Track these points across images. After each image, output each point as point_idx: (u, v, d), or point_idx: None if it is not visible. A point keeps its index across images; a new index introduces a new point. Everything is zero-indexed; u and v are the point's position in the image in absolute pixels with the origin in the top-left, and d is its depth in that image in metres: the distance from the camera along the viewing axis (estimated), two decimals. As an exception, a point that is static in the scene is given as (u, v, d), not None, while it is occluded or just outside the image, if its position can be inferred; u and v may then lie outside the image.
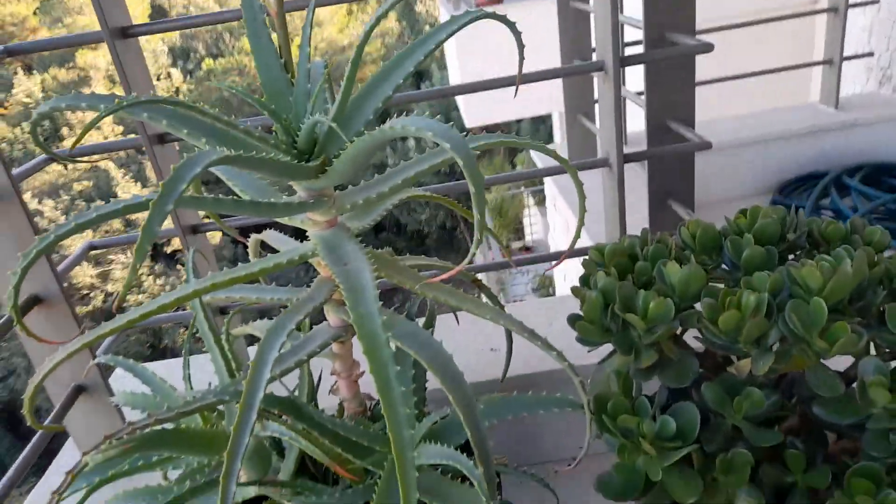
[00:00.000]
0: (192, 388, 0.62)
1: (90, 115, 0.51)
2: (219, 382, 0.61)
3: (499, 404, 0.60)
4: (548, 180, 2.26)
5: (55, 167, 10.55)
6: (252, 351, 0.62)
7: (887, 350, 0.61)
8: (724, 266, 0.71)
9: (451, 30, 0.59)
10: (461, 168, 0.43)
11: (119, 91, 0.93)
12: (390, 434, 0.42)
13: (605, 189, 1.03)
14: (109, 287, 9.65)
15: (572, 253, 0.95)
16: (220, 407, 0.61)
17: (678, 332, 0.70)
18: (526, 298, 6.39)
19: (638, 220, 1.23)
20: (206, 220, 0.96)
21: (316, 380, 0.72)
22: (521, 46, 0.63)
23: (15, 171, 0.75)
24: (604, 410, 0.58)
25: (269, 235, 0.74)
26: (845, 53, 1.86)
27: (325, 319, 0.65)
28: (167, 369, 0.84)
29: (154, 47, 14.01)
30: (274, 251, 0.68)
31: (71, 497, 0.54)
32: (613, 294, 0.64)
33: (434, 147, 0.54)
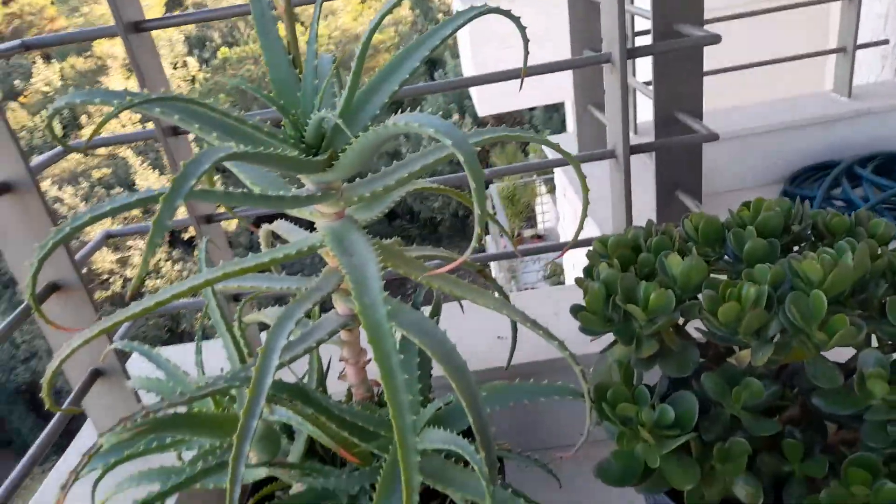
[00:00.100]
0: (203, 374, 0.64)
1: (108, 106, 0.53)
2: (230, 368, 0.63)
3: (501, 391, 0.62)
4: (558, 170, 2.26)
5: (75, 155, 10.69)
6: (264, 337, 0.64)
7: (889, 342, 0.62)
8: (726, 258, 0.72)
9: (456, 25, 0.59)
10: (463, 164, 0.45)
11: (135, 81, 0.95)
12: (392, 419, 0.43)
13: (613, 180, 1.04)
14: (128, 272, 9.79)
15: (578, 243, 0.96)
16: (232, 391, 0.63)
17: (680, 322, 0.71)
18: (538, 286, 6.39)
19: (647, 210, 1.24)
20: (220, 210, 0.98)
21: (325, 366, 0.74)
22: (525, 40, 0.64)
23: (33, 162, 0.78)
24: (604, 399, 0.59)
25: (280, 226, 0.75)
26: (860, 41, 1.84)
27: (334, 308, 0.67)
28: (182, 354, 0.87)
29: (170, 36, 14.07)
30: (285, 241, 0.70)
31: (89, 476, 0.57)
32: (615, 285, 0.65)
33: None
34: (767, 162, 1.89)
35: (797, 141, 1.85)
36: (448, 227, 12.35)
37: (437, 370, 0.74)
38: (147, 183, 11.14)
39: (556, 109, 11.80)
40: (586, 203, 0.68)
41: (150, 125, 0.95)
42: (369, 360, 0.69)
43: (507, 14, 0.60)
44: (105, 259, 9.32)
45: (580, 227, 0.68)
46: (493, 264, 6.62)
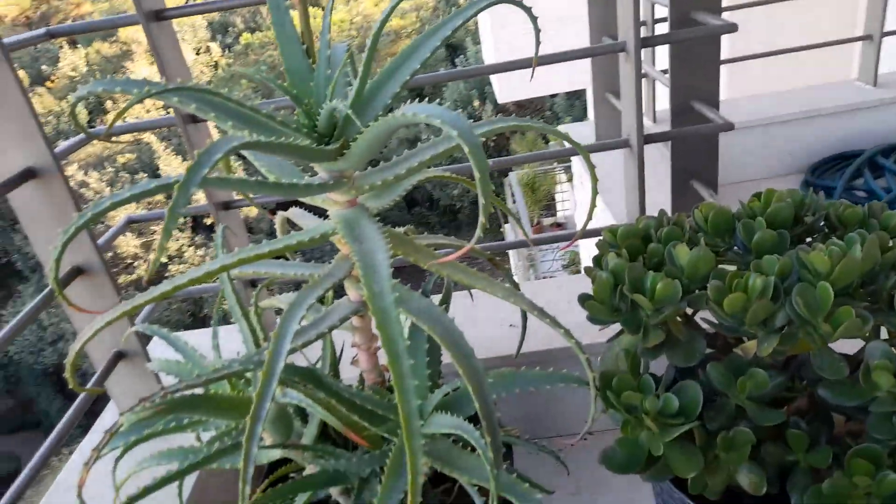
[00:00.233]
0: (220, 357, 0.66)
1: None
2: (245, 351, 0.65)
3: (507, 378, 0.63)
4: (575, 158, 2.25)
5: (100, 140, 10.79)
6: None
7: (897, 335, 0.62)
8: (736, 249, 0.72)
9: (468, 15, 0.60)
10: (467, 155, 0.45)
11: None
12: (398, 403, 0.45)
13: (627, 170, 1.04)
14: (152, 257, 9.94)
15: (590, 233, 0.96)
16: (248, 374, 0.65)
17: (689, 313, 0.71)
18: (556, 275, 6.38)
19: (663, 199, 1.23)
20: (238, 198, 1.00)
21: (338, 351, 0.75)
22: (537, 30, 0.64)
23: (57, 148, 0.80)
24: (609, 387, 0.60)
25: (295, 213, 0.77)
26: (888, 28, 1.80)
27: (346, 294, 0.69)
28: (201, 338, 0.89)
29: (193, 22, 14.15)
30: (300, 228, 0.71)
31: (112, 455, 0.59)
32: (623, 275, 0.65)
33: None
34: (789, 151, 1.86)
35: (819, 130, 1.82)
36: (467, 215, 12.34)
37: (448, 357, 0.76)
38: (170, 168, 11.28)
39: (578, 96, 11.69)
40: (595, 193, 0.68)
41: (173, 112, 0.97)
42: (380, 346, 0.70)
43: (518, 3, 0.60)
44: (129, 244, 9.48)
45: (589, 217, 0.68)
46: (511, 253, 6.61)
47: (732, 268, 0.66)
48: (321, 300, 0.78)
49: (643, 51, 1.28)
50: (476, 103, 12.84)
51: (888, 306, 0.61)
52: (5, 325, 0.71)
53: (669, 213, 0.78)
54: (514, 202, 6.92)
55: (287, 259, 0.71)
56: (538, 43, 0.66)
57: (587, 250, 2.95)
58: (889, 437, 0.54)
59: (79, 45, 14.06)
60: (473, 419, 0.57)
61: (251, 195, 0.77)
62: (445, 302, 0.73)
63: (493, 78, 6.24)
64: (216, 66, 14.42)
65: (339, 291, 0.69)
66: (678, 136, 1.06)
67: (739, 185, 1.82)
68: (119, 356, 0.83)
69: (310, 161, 0.59)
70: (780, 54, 1.84)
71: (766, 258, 0.62)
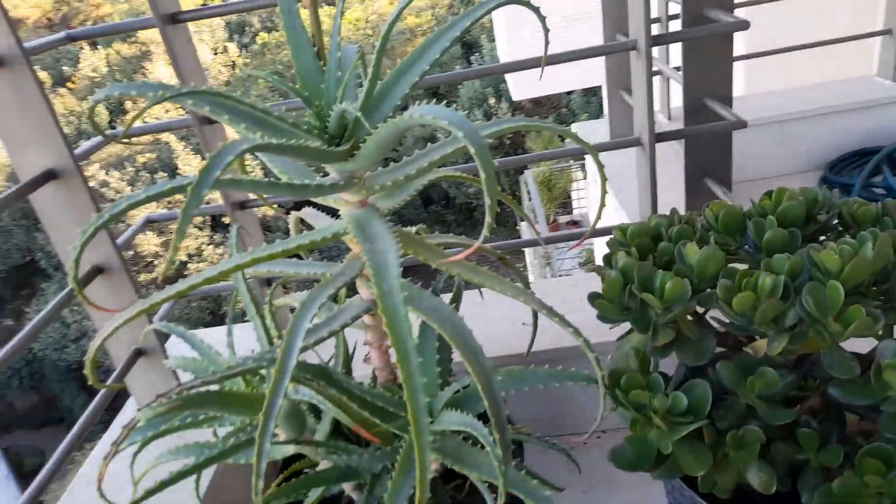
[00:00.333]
0: (234, 354, 0.67)
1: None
2: (260, 349, 0.67)
3: (516, 376, 0.63)
4: (588, 156, 2.24)
5: (125, 139, 10.93)
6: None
7: (909, 334, 0.61)
8: (747, 247, 0.71)
9: (477, 15, 0.61)
10: (473, 156, 0.46)
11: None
12: (407, 400, 0.45)
13: (639, 168, 1.04)
14: (168, 256, 10.06)
15: (603, 232, 0.96)
16: (262, 371, 0.66)
17: (702, 311, 0.71)
18: (572, 273, 6.36)
19: (677, 197, 1.23)
20: (253, 198, 1.01)
21: (351, 350, 0.76)
22: (546, 30, 0.64)
23: (77, 150, 0.82)
24: (617, 385, 0.60)
25: (308, 213, 0.78)
26: (909, 22, 1.77)
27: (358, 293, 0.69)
28: (217, 336, 0.90)
29: (211, 22, 14.28)
30: (313, 228, 0.72)
31: (130, 450, 0.61)
32: (632, 273, 0.65)
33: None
34: (806, 148, 1.84)
35: (837, 126, 1.79)
36: (483, 213, 12.31)
37: (458, 355, 0.76)
38: (189, 167, 11.40)
39: (595, 93, 11.62)
40: (604, 191, 0.69)
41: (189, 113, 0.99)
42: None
43: (527, 4, 0.61)
44: (150, 242, 9.60)
45: (598, 216, 0.69)
46: (527, 251, 6.60)
47: (743, 266, 0.66)
48: (334, 299, 0.79)
49: (658, 48, 1.27)
50: (491, 101, 12.81)
51: (901, 305, 0.61)
52: (28, 323, 0.73)
53: (683, 212, 0.78)
54: (529, 200, 6.90)
55: (301, 258, 0.72)
56: (547, 42, 0.66)
57: (602, 249, 2.94)
58: (900, 437, 0.54)
59: (99, 47, 14.24)
60: (483, 416, 0.57)
61: (265, 195, 0.78)
62: (456, 300, 0.74)
63: (508, 76, 6.24)
64: (233, 65, 14.53)
65: (353, 290, 0.70)
66: (691, 134, 1.05)
67: (756, 183, 1.81)
68: (138, 353, 0.85)
69: (320, 162, 0.60)
70: (796, 50, 1.82)
71: (776, 257, 0.62)
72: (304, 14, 0.66)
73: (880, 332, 0.64)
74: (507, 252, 0.82)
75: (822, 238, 0.74)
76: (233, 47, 14.68)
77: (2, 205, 0.74)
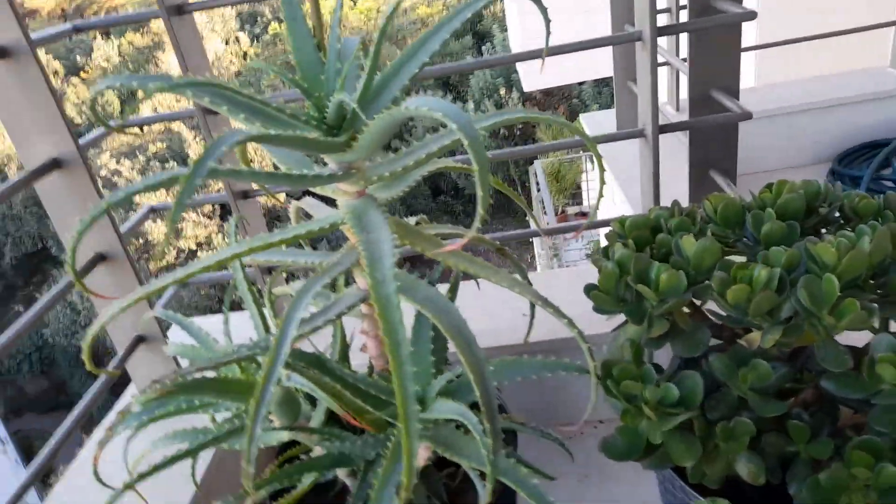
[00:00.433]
0: (230, 342, 0.68)
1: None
2: (256, 337, 0.67)
3: (509, 366, 0.64)
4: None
5: (133, 129, 11.02)
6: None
7: (905, 328, 0.61)
8: (745, 240, 0.71)
9: (477, 6, 0.61)
10: (466, 148, 0.46)
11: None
12: (395, 388, 0.46)
13: (642, 159, 1.03)
14: (181, 244, 10.15)
15: (603, 224, 0.96)
16: (259, 359, 0.67)
17: (699, 304, 0.71)
18: (580, 264, 6.34)
19: (682, 190, 1.22)
20: (256, 188, 1.02)
21: (349, 338, 0.77)
22: (547, 21, 0.64)
23: (82, 140, 0.83)
24: (610, 376, 0.60)
25: (308, 203, 0.79)
26: (922, 13, 1.75)
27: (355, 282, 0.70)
28: (217, 324, 0.91)
29: (223, 12, 14.30)
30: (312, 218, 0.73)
31: (128, 434, 0.62)
32: (629, 265, 0.65)
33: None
34: (816, 140, 1.82)
35: (848, 118, 1.78)
36: (492, 204, 12.27)
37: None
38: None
39: (606, 84, 11.53)
40: (602, 182, 0.69)
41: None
42: (406, 335, 0.72)
43: (528, -4, 0.61)
44: (160, 231, 9.68)
45: (596, 208, 0.69)
46: (536, 242, 6.59)
47: (742, 259, 0.66)
48: (332, 288, 0.80)
49: (667, 39, 1.26)
50: (502, 91, 12.75)
51: (897, 299, 0.60)
52: (31, 309, 0.75)
53: (687, 204, 0.78)
54: (538, 191, 6.88)
55: (302, 247, 0.73)
56: (548, 33, 0.66)
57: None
58: (891, 431, 0.54)
59: (111, 37, 14.31)
60: (477, 406, 0.58)
61: (265, 186, 0.79)
62: (453, 291, 0.74)
63: (519, 66, 6.21)
64: (245, 56, 14.56)
65: (352, 280, 0.71)
66: (695, 125, 1.05)
67: (764, 175, 1.79)
68: (139, 340, 0.86)
69: (318, 152, 0.60)
70: (807, 41, 1.80)
71: (773, 249, 0.62)
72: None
73: (876, 326, 0.63)
74: (516, 243, 0.83)
75: (824, 231, 0.73)
76: (244, 37, 14.69)
77: (7, 193, 0.76)
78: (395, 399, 0.60)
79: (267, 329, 0.67)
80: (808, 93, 1.83)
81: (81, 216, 0.54)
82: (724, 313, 0.64)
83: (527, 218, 8.10)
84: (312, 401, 0.69)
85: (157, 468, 0.54)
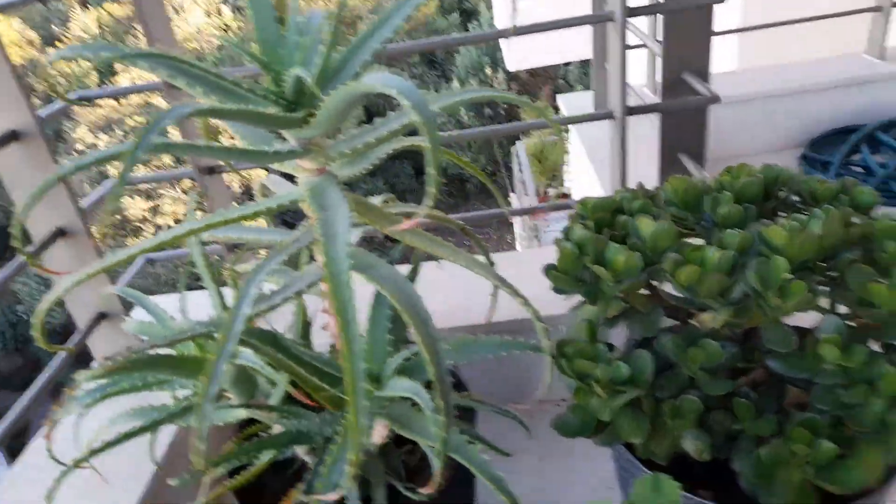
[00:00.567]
0: (188, 319, 0.68)
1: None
2: (215, 315, 0.67)
3: (464, 345, 0.64)
4: (572, 129, 2.24)
5: (111, 103, 10.83)
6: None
7: (851, 310, 0.62)
8: (704, 223, 0.72)
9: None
10: (419, 126, 0.46)
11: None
12: (344, 366, 0.46)
13: (612, 141, 1.04)
14: (159, 220, 10.03)
15: (563, 206, 0.97)
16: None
17: (656, 285, 0.72)
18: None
19: (654, 172, 1.23)
20: (223, 163, 1.01)
21: (311, 317, 0.77)
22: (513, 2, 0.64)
23: (40, 112, 0.81)
24: (564, 355, 0.61)
25: (272, 180, 0.78)
26: (896, 0, 1.76)
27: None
28: (180, 302, 0.91)
29: (204, -17, 13.98)
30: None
31: (89, 413, 0.62)
32: (587, 246, 0.66)
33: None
34: (790, 125, 1.84)
35: (822, 104, 1.79)
36: (475, 185, 12.27)
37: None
38: (178, 132, 11.27)
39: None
40: (561, 164, 0.69)
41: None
42: (356, 313, 0.72)
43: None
44: (137, 206, 9.55)
45: (558, 192, 0.69)
46: (517, 223, 6.61)
47: (701, 242, 0.67)
48: (296, 266, 0.80)
49: (647, 21, 1.25)
50: (488, 70, 12.66)
51: (844, 281, 0.62)
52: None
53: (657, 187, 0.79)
54: (520, 171, 6.88)
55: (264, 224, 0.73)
56: (514, 10, 0.66)
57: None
58: (831, 408, 0.56)
59: (90, 6, 13.96)
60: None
61: (227, 162, 0.78)
62: (414, 270, 0.74)
63: (503, 46, 6.16)
64: (227, 28, 14.28)
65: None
66: (664, 108, 1.05)
67: (738, 159, 1.81)
68: (101, 317, 0.86)
69: (275, 128, 0.60)
70: (786, 25, 1.80)
71: (727, 232, 0.63)
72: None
73: (828, 308, 0.65)
74: (497, 224, 0.83)
75: (783, 215, 0.75)
76: (226, 10, 14.40)
77: (-38, 165, 0.74)
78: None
79: (226, 307, 0.67)
80: (783, 78, 1.84)
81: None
82: (678, 295, 0.65)
83: (508, 198, 8.10)
84: (272, 379, 0.69)
85: (109, 445, 0.54)
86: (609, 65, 0.98)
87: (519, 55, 5.66)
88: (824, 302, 0.64)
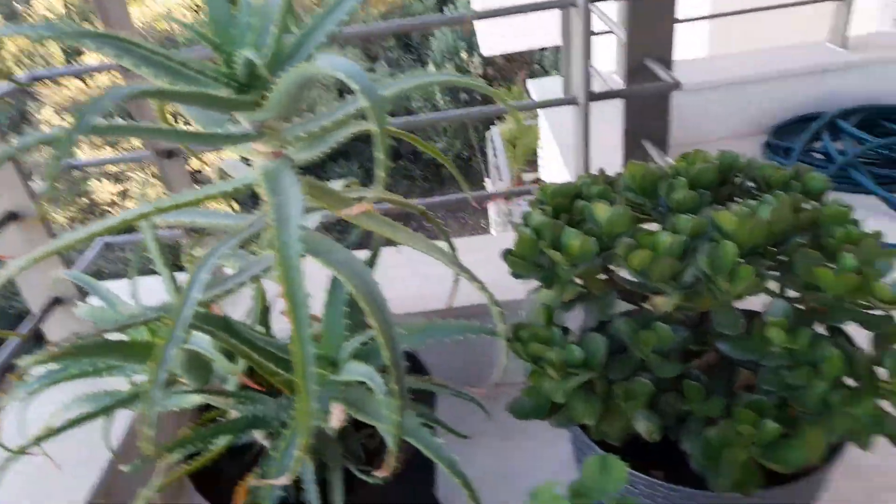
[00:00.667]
0: (139, 305, 0.67)
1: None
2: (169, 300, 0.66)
3: (421, 329, 0.65)
4: (541, 115, 2.24)
5: (77, 83, 10.57)
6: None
7: (799, 294, 0.64)
8: (660, 209, 0.73)
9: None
10: (366, 110, 0.46)
11: (136, 6, 0.95)
12: (294, 349, 0.46)
13: (576, 127, 1.04)
14: (128, 203, 9.83)
15: (524, 192, 0.97)
16: (173, 322, 0.66)
17: (614, 270, 0.73)
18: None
19: (618, 158, 1.24)
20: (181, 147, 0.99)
21: (270, 303, 0.76)
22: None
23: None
24: (519, 339, 0.62)
25: (229, 163, 0.77)
26: (859, -12, 1.79)
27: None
28: (133, 286, 0.89)
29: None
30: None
31: (41, 399, 0.60)
32: (544, 231, 0.66)
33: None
34: (754, 112, 1.86)
35: (784, 91, 1.82)
36: (447, 170, 12.25)
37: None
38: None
39: (567, 50, 11.46)
40: (522, 150, 0.69)
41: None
42: (306, 297, 0.72)
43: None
44: (105, 190, 9.36)
45: (533, 177, 0.69)
46: (491, 209, 6.62)
47: (657, 227, 0.68)
48: (254, 251, 0.79)
49: (617, 7, 1.26)
50: (464, 55, 12.59)
51: (792, 266, 0.63)
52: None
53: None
54: (495, 156, 6.88)
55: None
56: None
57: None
58: (777, 390, 0.57)
59: (53, -17, 13.52)
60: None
61: (183, 145, 0.77)
62: (374, 255, 0.74)
63: (478, 31, 6.13)
64: (197, 9, 13.97)
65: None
66: (626, 94, 1.06)
67: (703, 146, 1.83)
68: (56, 302, 0.84)
69: (225, 110, 0.59)
70: (750, 13, 1.82)
71: (680, 217, 0.63)
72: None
73: (778, 293, 0.66)
74: (472, 209, 0.83)
75: (739, 201, 0.76)
76: (198, -13, 14.06)
77: None
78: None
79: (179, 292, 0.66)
80: (748, 65, 1.86)
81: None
82: (633, 279, 0.66)
83: (482, 183, 8.10)
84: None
85: (55, 431, 0.53)
86: (573, 50, 0.98)
87: (493, 40, 5.65)
88: (776, 286, 0.66)
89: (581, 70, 0.96)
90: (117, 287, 0.73)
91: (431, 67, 11.48)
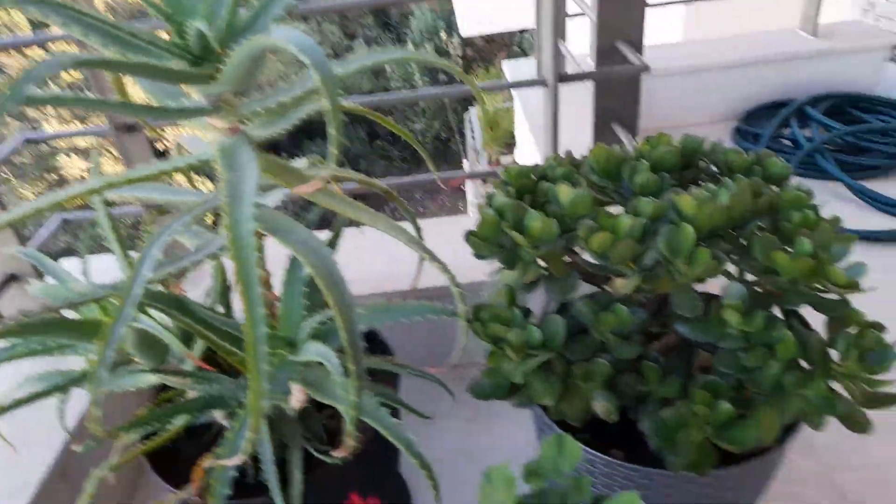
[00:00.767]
0: (90, 283, 0.66)
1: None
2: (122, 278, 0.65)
3: (379, 310, 0.64)
4: (515, 96, 2.23)
5: (39, 52, 10.28)
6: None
7: (756, 277, 0.65)
8: (623, 191, 0.73)
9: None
10: (318, 85, 0.45)
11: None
12: (245, 329, 0.45)
13: (545, 109, 1.03)
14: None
15: (491, 174, 0.96)
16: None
17: (578, 252, 0.73)
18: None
19: (588, 140, 1.24)
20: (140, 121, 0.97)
21: (230, 282, 0.75)
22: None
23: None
24: (479, 319, 0.62)
25: (187, 138, 0.75)
26: (830, -24, 1.80)
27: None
28: (85, 264, 0.87)
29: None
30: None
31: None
32: (507, 213, 0.66)
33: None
34: (725, 97, 1.88)
35: (756, 78, 1.83)
36: (429, 150, 12.20)
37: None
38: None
39: (546, 33, 11.41)
40: (500, 132, 0.68)
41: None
42: (267, 276, 0.71)
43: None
44: (75, 166, 9.14)
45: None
46: (469, 190, 6.62)
47: (619, 209, 0.68)
48: (213, 230, 0.78)
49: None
50: (443, 35, 12.49)
51: (750, 249, 0.64)
52: None
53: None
54: (473, 138, 6.86)
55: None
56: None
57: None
58: (733, 371, 0.58)
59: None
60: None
61: (143, 119, 0.74)
62: (336, 235, 0.73)
63: (457, 10, 6.08)
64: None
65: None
66: (596, 76, 1.05)
67: (675, 130, 1.84)
68: (11, 278, 0.82)
69: (177, 82, 0.57)
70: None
71: (641, 200, 0.63)
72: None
73: (736, 276, 0.67)
74: (451, 191, 0.82)
75: (701, 185, 0.76)
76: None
77: None
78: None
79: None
80: (720, 51, 1.87)
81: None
82: (594, 261, 0.66)
83: (461, 164, 8.08)
84: (188, 344, 0.67)
85: (3, 409, 0.51)
86: (542, 31, 0.97)
87: (472, 21, 5.60)
88: (735, 270, 0.66)
89: (549, 52, 0.95)
90: (77, 264, 0.71)
91: (410, 47, 11.36)
